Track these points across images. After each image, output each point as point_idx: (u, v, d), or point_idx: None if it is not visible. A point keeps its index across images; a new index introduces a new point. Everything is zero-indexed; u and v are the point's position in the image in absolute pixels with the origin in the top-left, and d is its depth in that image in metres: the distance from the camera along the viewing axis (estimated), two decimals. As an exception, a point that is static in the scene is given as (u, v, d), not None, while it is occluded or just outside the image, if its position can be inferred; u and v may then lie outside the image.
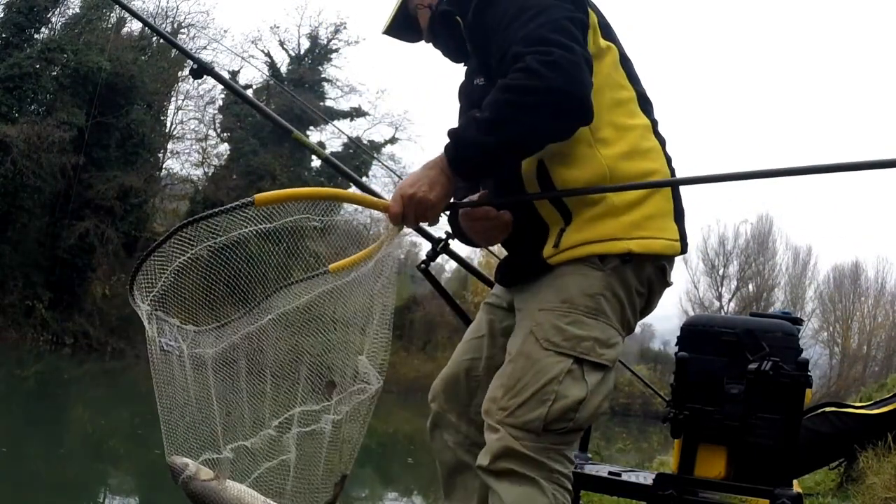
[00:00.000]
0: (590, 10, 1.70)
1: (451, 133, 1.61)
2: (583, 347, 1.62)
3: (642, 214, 1.66)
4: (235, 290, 1.70)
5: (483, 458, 1.64)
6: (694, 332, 2.89)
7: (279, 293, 1.71)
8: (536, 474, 1.59)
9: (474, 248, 2.45)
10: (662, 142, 1.77)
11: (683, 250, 1.73)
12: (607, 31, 1.75)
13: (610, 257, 1.64)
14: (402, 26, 1.96)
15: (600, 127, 1.66)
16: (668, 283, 1.76)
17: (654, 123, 1.77)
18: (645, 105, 1.77)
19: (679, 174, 1.77)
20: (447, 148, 1.60)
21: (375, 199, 1.74)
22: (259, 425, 1.60)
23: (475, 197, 1.80)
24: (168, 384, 1.63)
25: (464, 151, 1.58)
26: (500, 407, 1.63)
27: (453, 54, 1.94)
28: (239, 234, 1.62)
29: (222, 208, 1.64)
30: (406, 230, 1.73)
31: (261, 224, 1.61)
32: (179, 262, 1.62)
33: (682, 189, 1.78)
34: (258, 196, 1.61)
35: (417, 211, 1.60)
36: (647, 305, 1.76)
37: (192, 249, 1.62)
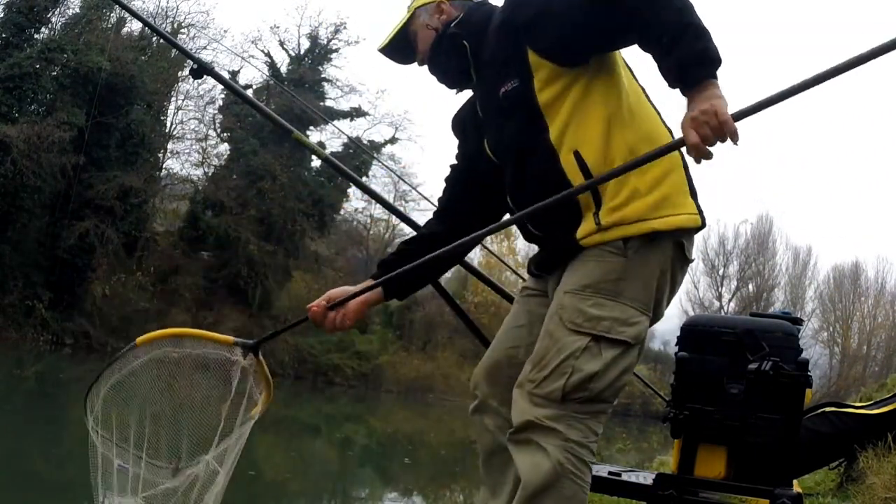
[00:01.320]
0: None
1: (698, 54, 1.60)
2: (602, 326, 1.76)
3: (662, 194, 1.78)
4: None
5: (510, 429, 1.81)
6: (694, 332, 2.89)
7: (229, 435, 2.08)
8: (549, 443, 1.72)
9: (474, 248, 2.52)
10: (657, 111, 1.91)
11: (703, 223, 1.85)
12: None
13: (633, 240, 1.76)
14: (398, 47, 2.08)
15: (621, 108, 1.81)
16: (688, 260, 1.88)
17: (643, 90, 1.91)
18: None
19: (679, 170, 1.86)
20: (705, 66, 1.61)
21: (224, 336, 2.09)
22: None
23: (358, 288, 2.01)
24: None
25: (717, 54, 1.62)
26: (529, 379, 1.79)
27: (451, 78, 2.05)
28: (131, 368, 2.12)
29: (115, 357, 2.14)
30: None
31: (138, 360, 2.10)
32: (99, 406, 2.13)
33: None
34: (139, 339, 2.10)
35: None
36: (673, 283, 1.87)
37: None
